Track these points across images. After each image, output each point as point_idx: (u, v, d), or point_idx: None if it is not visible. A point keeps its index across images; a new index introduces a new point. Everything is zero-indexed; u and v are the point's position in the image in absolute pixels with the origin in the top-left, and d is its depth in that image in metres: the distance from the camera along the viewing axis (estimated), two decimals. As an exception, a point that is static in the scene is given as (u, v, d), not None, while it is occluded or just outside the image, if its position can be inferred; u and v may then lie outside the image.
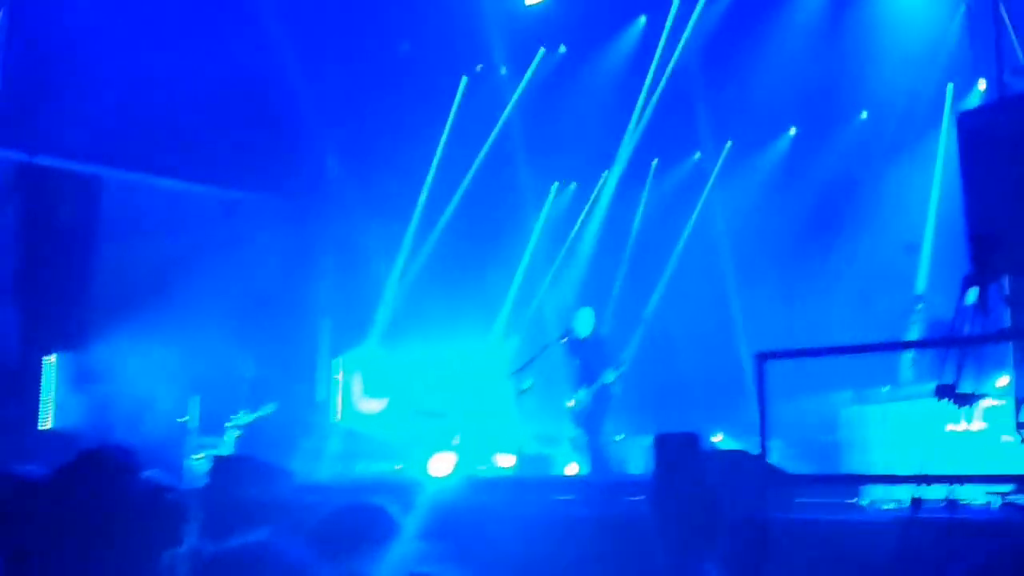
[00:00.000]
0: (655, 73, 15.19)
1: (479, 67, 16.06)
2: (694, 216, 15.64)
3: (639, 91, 15.38)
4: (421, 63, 15.72)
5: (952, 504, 5.88)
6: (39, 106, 13.43)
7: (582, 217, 16.48)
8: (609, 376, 11.13)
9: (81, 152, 14.31)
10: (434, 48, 15.69)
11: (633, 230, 16.15)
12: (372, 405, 15.27)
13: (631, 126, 15.46)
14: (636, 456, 11.82)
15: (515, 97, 16.10)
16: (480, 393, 14.20)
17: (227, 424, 13.49)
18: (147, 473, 2.14)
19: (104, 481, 2.09)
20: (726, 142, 15.47)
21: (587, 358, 11.35)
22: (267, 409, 13.41)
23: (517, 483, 10.14)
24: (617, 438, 12.73)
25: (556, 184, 16.86)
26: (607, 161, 15.95)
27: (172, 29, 13.67)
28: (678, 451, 6.31)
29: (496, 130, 16.18)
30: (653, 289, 15.64)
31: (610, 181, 16.07)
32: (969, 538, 5.47)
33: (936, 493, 6.00)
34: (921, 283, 12.64)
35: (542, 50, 16.02)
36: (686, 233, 15.61)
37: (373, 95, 15.46)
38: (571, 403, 11.39)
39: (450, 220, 16.14)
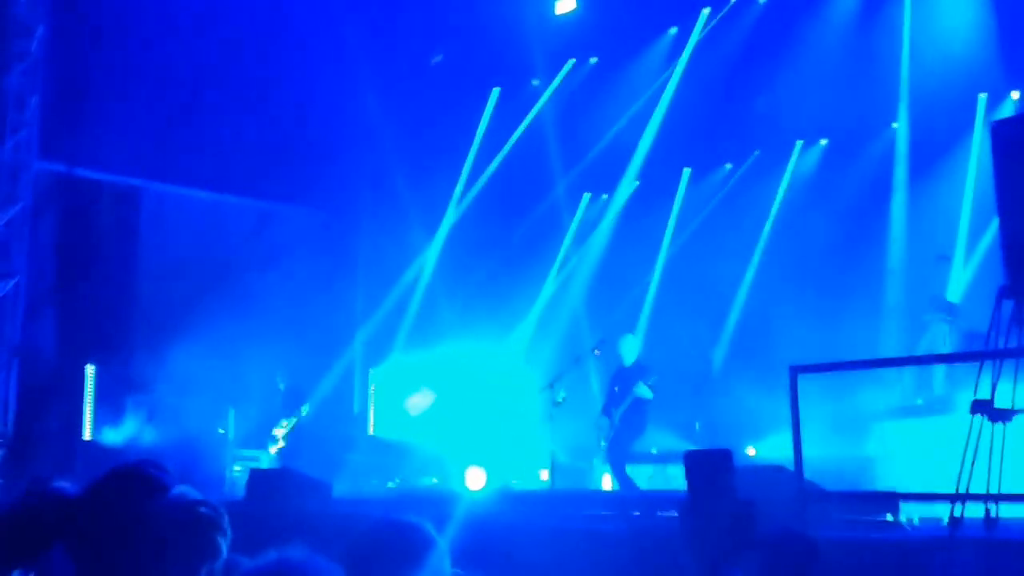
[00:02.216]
0: (685, 82, 15.20)
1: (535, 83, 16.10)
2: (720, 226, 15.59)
3: (669, 100, 15.39)
4: (452, 74, 15.81)
5: (991, 522, 5.81)
6: (79, 119, 13.63)
7: (611, 228, 16.44)
8: (641, 390, 11.00)
9: (120, 164, 14.51)
10: (465, 59, 15.78)
11: (664, 240, 16.11)
12: (420, 400, 15.24)
13: (649, 135, 15.49)
14: (669, 471, 11.78)
15: (538, 106, 16.16)
16: (512, 405, 14.20)
17: (272, 433, 13.56)
18: (178, 489, 2.17)
19: (134, 500, 2.12)
20: (757, 152, 15.44)
21: (625, 384, 11.28)
22: (304, 411, 13.47)
23: (551, 497, 10.14)
24: (652, 451, 12.69)
25: (588, 195, 16.86)
26: (637, 171, 15.96)
27: (210, 45, 13.83)
28: (710, 469, 6.27)
29: (513, 134, 16.23)
30: (683, 300, 15.61)
31: (640, 192, 16.09)
32: (1008, 557, 5.42)
33: (975, 510, 5.94)
34: (954, 294, 12.52)
35: (572, 60, 16.10)
36: (716, 243, 15.54)
37: (406, 107, 15.56)
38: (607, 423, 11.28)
39: (481, 230, 16.19)
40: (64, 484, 2.42)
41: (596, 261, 16.29)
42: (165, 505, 2.06)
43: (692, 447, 12.51)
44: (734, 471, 6.36)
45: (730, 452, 6.43)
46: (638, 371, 11.24)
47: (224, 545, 2.12)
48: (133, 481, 2.10)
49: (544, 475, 12.99)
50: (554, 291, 16.40)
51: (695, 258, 15.45)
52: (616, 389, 11.28)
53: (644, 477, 11.89)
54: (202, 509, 2.11)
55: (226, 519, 2.15)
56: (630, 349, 11.41)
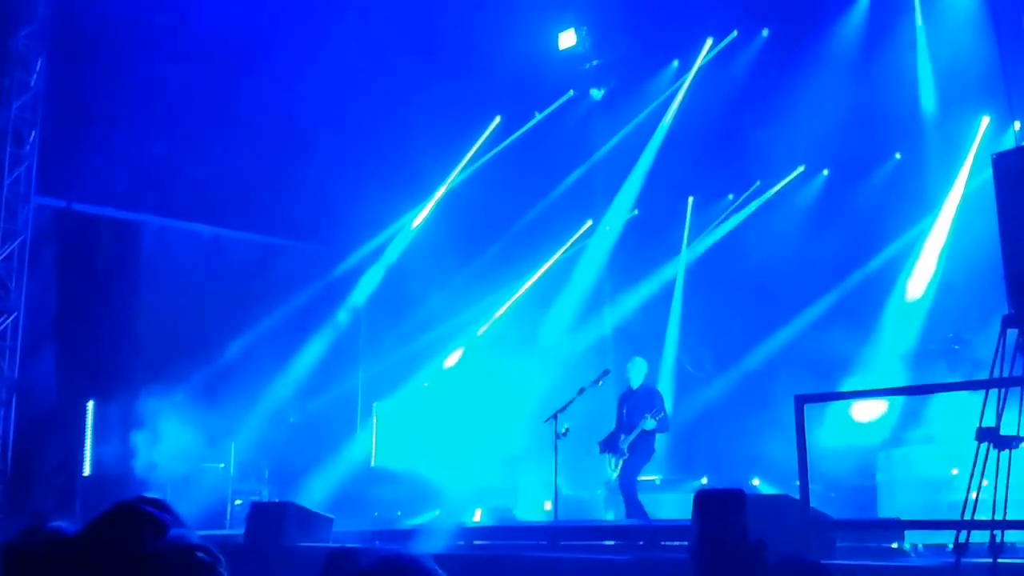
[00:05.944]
0: (686, 114, 15.25)
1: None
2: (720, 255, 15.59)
3: (670, 133, 15.44)
4: (454, 109, 15.86)
5: (996, 547, 5.77)
6: (78, 154, 13.64)
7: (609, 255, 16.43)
8: (648, 423, 10.93)
9: (120, 198, 14.51)
10: (466, 94, 15.83)
11: (671, 271, 16.10)
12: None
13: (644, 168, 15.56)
14: (674, 500, 11.70)
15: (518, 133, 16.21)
16: (516, 437, 14.14)
17: None
18: (176, 531, 2.11)
19: (131, 541, 2.06)
20: (758, 183, 15.46)
21: (633, 408, 11.22)
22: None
23: (555, 528, 10.06)
24: (657, 482, 12.62)
25: (589, 222, 16.87)
26: (641, 202, 15.99)
27: (211, 80, 13.88)
28: (722, 509, 6.12)
29: (513, 164, 16.27)
30: (689, 328, 15.60)
31: (646, 222, 16.11)
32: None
33: (980, 536, 5.91)
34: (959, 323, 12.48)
35: (571, 92, 16.22)
36: (720, 272, 15.53)
37: (407, 142, 15.60)
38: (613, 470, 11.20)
39: (482, 259, 16.18)
40: (61, 523, 2.37)
41: (596, 289, 16.27)
42: (162, 548, 2.01)
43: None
44: (746, 511, 6.22)
45: (742, 492, 6.28)
46: (646, 396, 11.18)
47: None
48: (131, 521, 2.05)
49: (548, 506, 12.93)
50: (555, 318, 16.34)
51: (700, 287, 15.48)
52: (624, 413, 11.21)
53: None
54: (199, 554, 2.05)
55: (223, 564, 2.10)
56: (638, 372, 11.35)
